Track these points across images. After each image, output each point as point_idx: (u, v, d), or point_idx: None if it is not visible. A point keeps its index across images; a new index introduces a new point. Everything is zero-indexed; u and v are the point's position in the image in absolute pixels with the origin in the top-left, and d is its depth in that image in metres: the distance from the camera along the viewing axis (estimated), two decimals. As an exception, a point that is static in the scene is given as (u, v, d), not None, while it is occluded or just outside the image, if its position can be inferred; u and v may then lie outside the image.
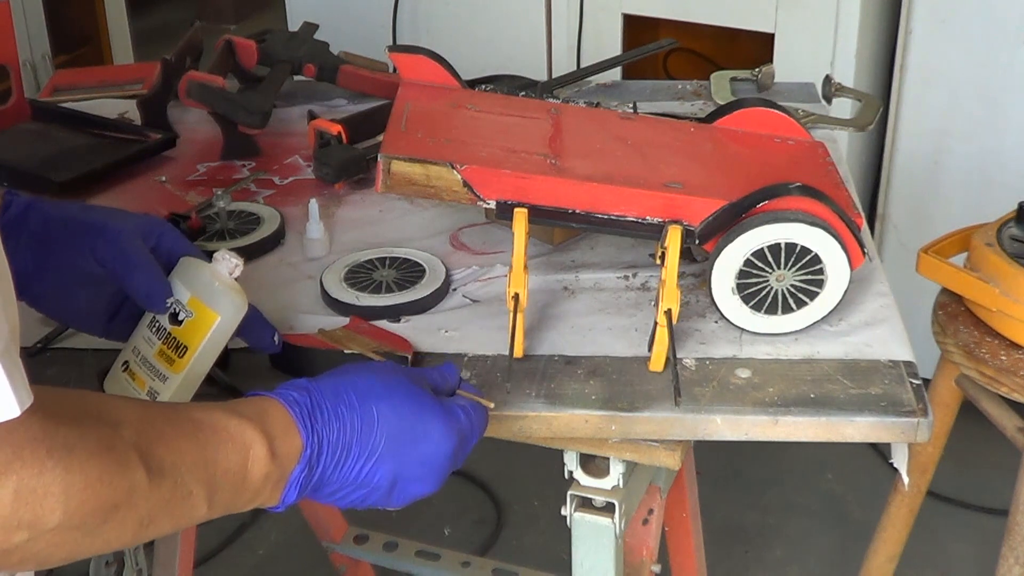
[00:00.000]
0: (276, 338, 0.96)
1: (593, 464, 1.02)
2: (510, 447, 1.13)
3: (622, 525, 1.03)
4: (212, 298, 0.90)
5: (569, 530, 1.04)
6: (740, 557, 2.19)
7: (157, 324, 0.91)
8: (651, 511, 1.13)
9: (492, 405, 0.90)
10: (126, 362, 0.93)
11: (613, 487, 1.02)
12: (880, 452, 2.36)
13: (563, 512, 1.04)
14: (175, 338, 0.90)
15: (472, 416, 0.88)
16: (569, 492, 1.03)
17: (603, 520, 1.03)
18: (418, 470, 0.85)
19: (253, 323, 0.94)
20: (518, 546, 2.20)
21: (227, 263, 0.90)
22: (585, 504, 1.03)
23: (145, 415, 0.72)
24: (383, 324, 1.07)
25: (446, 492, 2.58)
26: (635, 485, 1.06)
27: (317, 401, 0.80)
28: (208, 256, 0.92)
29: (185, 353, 0.89)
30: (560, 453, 1.02)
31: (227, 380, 0.98)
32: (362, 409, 0.81)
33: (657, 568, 1.17)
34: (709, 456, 2.22)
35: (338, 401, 0.81)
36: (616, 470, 1.01)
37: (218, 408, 0.77)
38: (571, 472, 1.02)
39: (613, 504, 1.02)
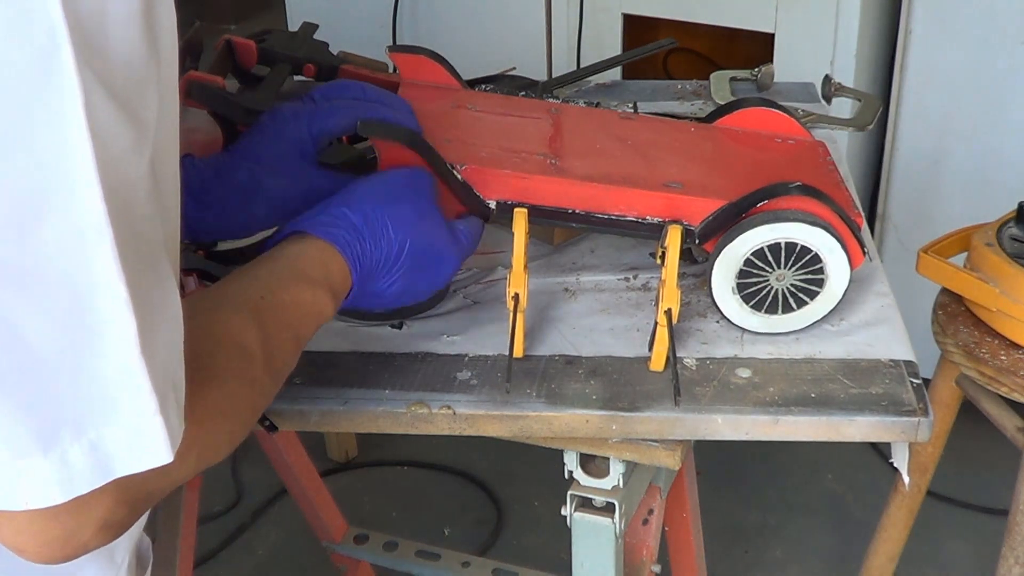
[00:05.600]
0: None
1: (593, 464, 1.02)
2: (510, 447, 1.13)
3: (622, 525, 1.03)
4: None
5: (569, 530, 1.04)
6: (740, 557, 2.19)
7: None
8: (651, 511, 1.13)
9: None
10: None
11: (613, 487, 1.02)
12: (880, 452, 2.36)
13: (563, 512, 1.04)
14: None
15: (471, 235, 0.99)
16: (569, 492, 1.03)
17: (603, 520, 1.02)
18: (425, 287, 0.95)
19: None
20: (518, 546, 2.20)
21: None
22: (585, 504, 1.03)
23: (262, 326, 0.77)
24: (383, 327, 1.07)
25: (446, 492, 2.59)
26: (635, 485, 1.05)
27: (365, 241, 0.88)
28: None
29: None
30: (560, 453, 1.02)
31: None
32: (397, 239, 0.89)
33: (657, 568, 1.17)
34: (709, 456, 2.23)
35: (379, 239, 0.89)
36: (616, 470, 1.01)
37: (299, 282, 0.82)
38: (571, 472, 1.02)
39: (613, 504, 1.02)
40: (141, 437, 0.59)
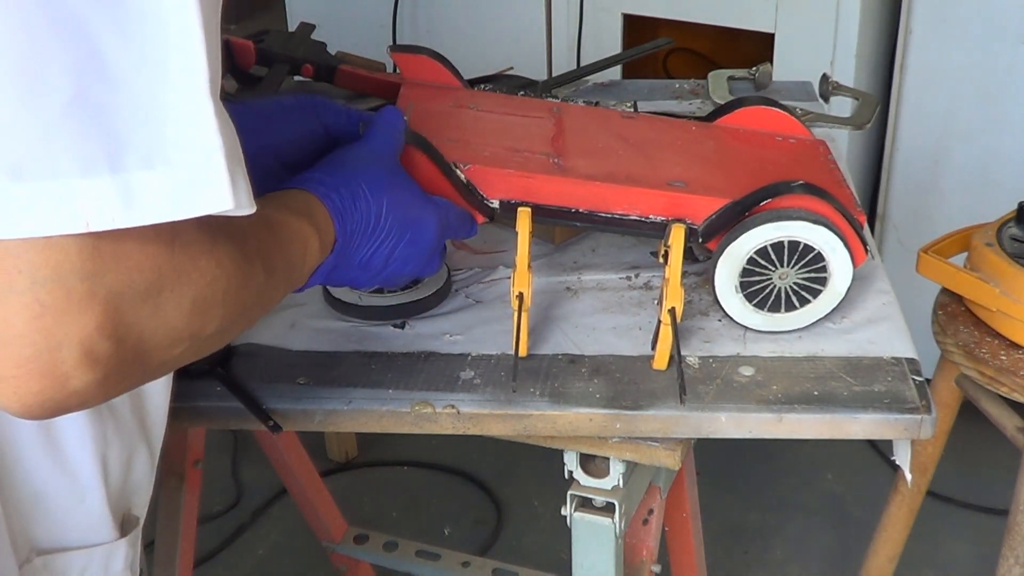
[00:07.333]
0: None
1: (593, 464, 1.02)
2: (510, 447, 1.13)
3: (622, 525, 1.03)
4: None
5: (569, 530, 1.04)
6: (740, 557, 2.18)
7: None
8: (651, 511, 1.13)
9: None
10: None
11: (613, 487, 1.02)
12: (880, 452, 2.36)
13: (563, 512, 1.03)
14: None
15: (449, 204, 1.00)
16: (569, 492, 1.03)
17: (603, 520, 1.02)
18: (410, 252, 0.94)
19: None
20: (518, 546, 2.20)
21: None
22: (585, 504, 1.03)
23: (258, 221, 0.75)
24: (386, 327, 1.07)
25: (446, 492, 2.59)
26: (635, 485, 1.05)
27: (344, 198, 0.88)
28: None
29: None
30: (560, 453, 1.02)
31: (230, 378, 0.98)
32: (375, 200, 0.90)
33: (657, 568, 1.16)
34: (709, 456, 2.22)
35: (357, 199, 0.89)
36: (616, 470, 1.01)
37: (282, 209, 0.82)
38: (571, 472, 1.02)
39: (613, 504, 1.02)
40: (204, 175, 0.60)
